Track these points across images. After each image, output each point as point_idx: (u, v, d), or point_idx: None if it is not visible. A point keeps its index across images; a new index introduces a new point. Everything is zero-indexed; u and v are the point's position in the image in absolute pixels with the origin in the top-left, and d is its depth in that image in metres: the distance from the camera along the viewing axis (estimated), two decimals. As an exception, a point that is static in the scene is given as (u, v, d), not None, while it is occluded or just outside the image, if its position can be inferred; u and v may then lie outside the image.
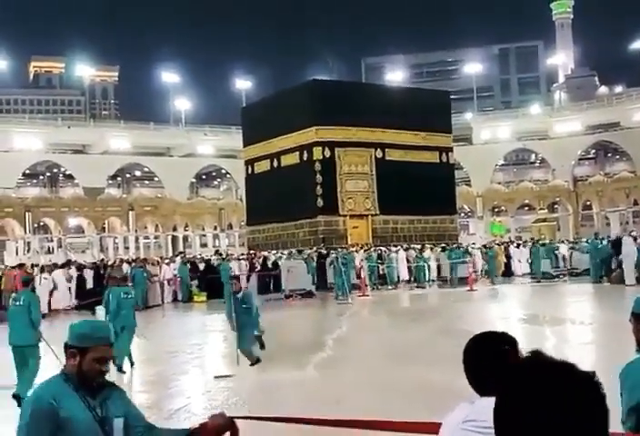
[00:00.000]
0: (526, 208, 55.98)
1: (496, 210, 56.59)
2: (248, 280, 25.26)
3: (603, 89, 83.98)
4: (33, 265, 23.01)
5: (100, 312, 11.53)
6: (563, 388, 1.11)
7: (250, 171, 40.12)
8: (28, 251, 46.10)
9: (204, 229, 55.39)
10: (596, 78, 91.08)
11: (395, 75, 73.51)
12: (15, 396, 8.01)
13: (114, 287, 11.03)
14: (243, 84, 64.34)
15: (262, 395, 8.50)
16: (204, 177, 65.50)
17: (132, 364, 10.75)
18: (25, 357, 8.60)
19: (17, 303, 9.04)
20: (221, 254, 28.45)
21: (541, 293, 21.87)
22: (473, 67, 69.93)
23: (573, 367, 1.16)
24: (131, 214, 49.57)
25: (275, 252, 30.34)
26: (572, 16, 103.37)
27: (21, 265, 19.93)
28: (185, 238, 54.31)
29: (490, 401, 1.93)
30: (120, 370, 10.12)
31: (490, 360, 2.04)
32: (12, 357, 8.70)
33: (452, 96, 43.50)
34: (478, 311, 17.79)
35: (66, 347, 2.66)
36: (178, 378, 10.10)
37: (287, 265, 24.74)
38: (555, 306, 17.59)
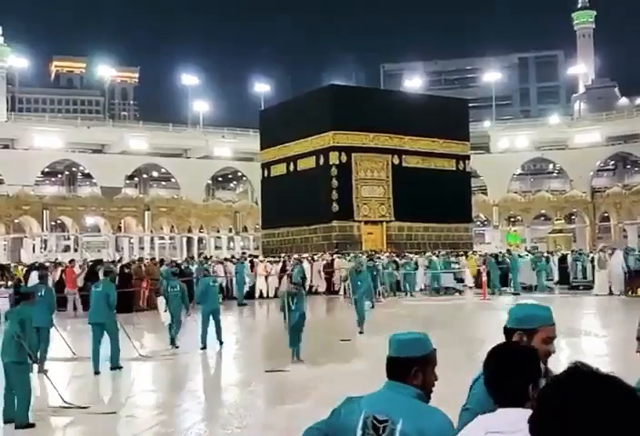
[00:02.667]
0: (542, 218, 55.56)
1: (512, 219, 56.22)
2: (280, 281, 25.54)
3: (623, 100, 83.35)
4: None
5: (161, 300, 13.33)
6: (606, 402, 1.09)
7: (266, 174, 40.22)
8: (45, 248, 46.49)
9: (218, 231, 55.52)
10: (617, 89, 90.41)
11: (414, 82, 73.43)
12: (112, 368, 10.34)
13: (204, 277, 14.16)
14: (261, 88, 64.60)
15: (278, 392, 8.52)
16: (220, 179, 65.76)
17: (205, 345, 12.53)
18: (104, 332, 10.45)
19: (97, 289, 10.98)
20: (244, 254, 28.75)
21: (561, 304, 21.65)
22: (492, 76, 69.75)
23: (617, 380, 1.14)
24: (147, 215, 49.81)
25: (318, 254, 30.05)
26: (593, 26, 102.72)
27: (71, 261, 22.73)
28: (200, 240, 54.48)
29: (516, 412, 1.92)
30: (221, 343, 12.77)
31: (512, 371, 2.03)
32: (91, 334, 10.59)
33: (470, 104, 43.42)
34: (492, 320, 17.64)
35: (509, 330, 2.64)
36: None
37: (345, 266, 25.40)
38: (573, 317, 17.40)
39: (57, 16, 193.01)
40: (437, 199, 34.17)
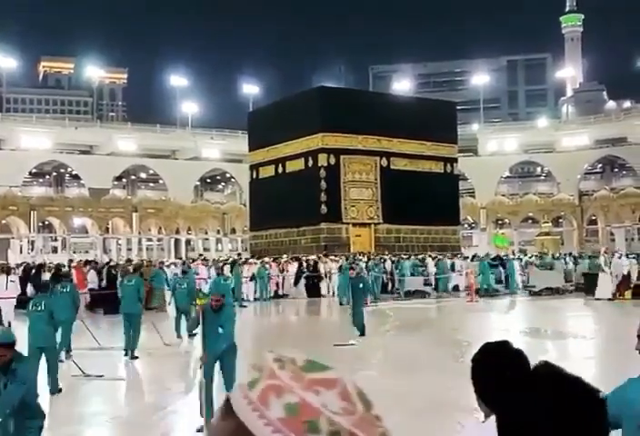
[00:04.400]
0: (530, 221, 55.78)
1: (500, 222, 56.42)
2: (297, 282, 25.64)
3: (611, 104, 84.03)
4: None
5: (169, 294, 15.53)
6: (570, 402, 1.06)
7: (255, 175, 40.14)
8: (32, 249, 46.14)
9: (207, 233, 55.35)
10: (605, 92, 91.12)
11: (403, 84, 73.59)
12: (133, 357, 11.59)
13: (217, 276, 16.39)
14: (250, 89, 64.51)
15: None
16: (208, 181, 65.54)
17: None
18: (132, 322, 11.92)
19: (130, 283, 12.55)
20: (239, 254, 28.79)
21: (546, 307, 21.74)
22: (480, 78, 69.95)
23: (580, 381, 1.11)
24: (135, 216, 49.57)
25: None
26: (581, 30, 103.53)
27: (79, 261, 24.44)
28: (188, 241, 54.28)
29: None
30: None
31: (501, 373, 1.83)
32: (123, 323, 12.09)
33: (459, 107, 43.59)
34: (481, 322, 17.70)
35: None
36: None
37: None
38: (557, 320, 17.48)
39: (46, 17, 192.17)
40: (425, 201, 34.23)
